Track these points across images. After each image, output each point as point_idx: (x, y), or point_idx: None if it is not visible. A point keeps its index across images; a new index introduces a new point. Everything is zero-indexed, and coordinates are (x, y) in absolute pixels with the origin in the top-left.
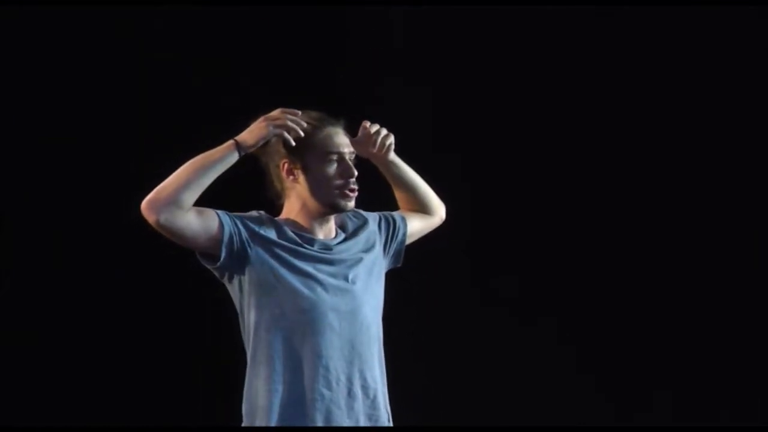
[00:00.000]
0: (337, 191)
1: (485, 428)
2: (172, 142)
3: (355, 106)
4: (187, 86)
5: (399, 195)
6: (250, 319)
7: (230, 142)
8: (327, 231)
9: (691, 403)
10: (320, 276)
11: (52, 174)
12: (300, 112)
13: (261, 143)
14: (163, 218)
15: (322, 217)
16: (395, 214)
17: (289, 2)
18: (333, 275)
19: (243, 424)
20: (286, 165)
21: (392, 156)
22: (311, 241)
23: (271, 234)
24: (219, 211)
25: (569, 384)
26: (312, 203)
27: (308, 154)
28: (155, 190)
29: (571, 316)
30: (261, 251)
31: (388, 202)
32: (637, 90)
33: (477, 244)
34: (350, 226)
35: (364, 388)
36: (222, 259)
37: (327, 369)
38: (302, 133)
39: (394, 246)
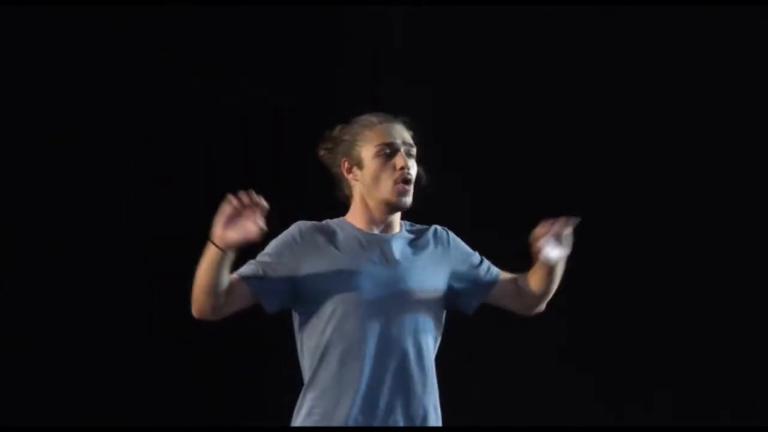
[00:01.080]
0: (391, 183)
1: (484, 428)
2: (172, 142)
3: (355, 106)
4: (187, 86)
5: (531, 280)
6: (303, 345)
7: (209, 243)
8: (388, 225)
9: (691, 403)
10: (366, 297)
11: (52, 174)
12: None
13: (224, 228)
14: (212, 318)
15: (382, 215)
16: (491, 266)
17: (290, 2)
18: (383, 287)
19: None
20: (346, 163)
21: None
22: (363, 243)
23: (310, 254)
24: (247, 277)
25: (568, 384)
26: (371, 200)
27: (363, 149)
28: (192, 301)
29: (569, 318)
30: (303, 282)
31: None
32: (638, 91)
33: (475, 244)
34: (420, 236)
35: (408, 416)
36: (269, 309)
37: (364, 395)
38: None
39: (470, 284)
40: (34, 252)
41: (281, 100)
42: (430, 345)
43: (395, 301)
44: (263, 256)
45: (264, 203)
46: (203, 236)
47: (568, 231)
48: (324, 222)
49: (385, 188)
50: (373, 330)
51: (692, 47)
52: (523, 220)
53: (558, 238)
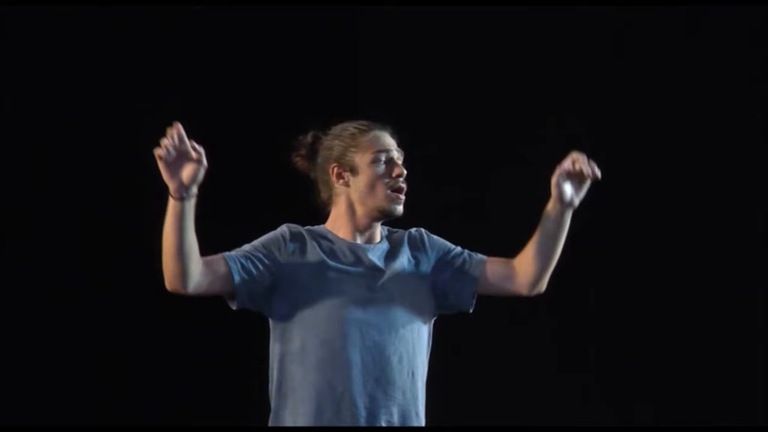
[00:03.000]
0: (388, 191)
1: (482, 428)
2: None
3: (359, 109)
4: (187, 86)
5: (529, 250)
6: (274, 350)
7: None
8: (369, 235)
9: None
10: (348, 305)
11: (52, 174)
12: (177, 127)
13: (171, 179)
14: (185, 292)
15: (368, 223)
16: (473, 253)
17: (290, 2)
18: (365, 295)
19: None
20: (335, 169)
21: (577, 202)
22: (345, 252)
23: (296, 255)
24: (229, 256)
25: (566, 384)
26: (360, 207)
27: (357, 155)
28: (163, 272)
29: (567, 318)
30: (284, 283)
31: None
32: (639, 91)
33: (473, 244)
34: (398, 242)
35: (389, 423)
36: (238, 304)
37: (346, 402)
38: (173, 147)
39: (455, 274)
40: (34, 251)
41: (281, 99)
42: (415, 352)
43: (377, 309)
44: (248, 246)
45: (186, 141)
46: (199, 236)
47: (589, 177)
48: (308, 227)
49: (381, 195)
50: (355, 338)
51: (689, 48)
52: (518, 220)
53: (578, 180)
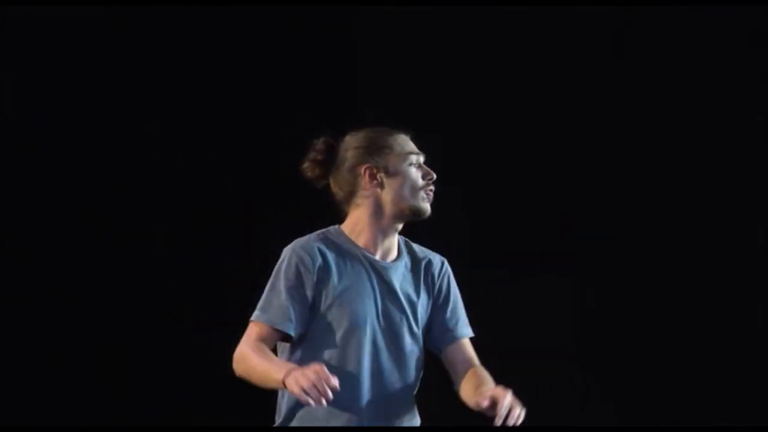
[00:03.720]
0: (421, 192)
1: (482, 428)
2: (174, 142)
3: (359, 109)
4: (187, 86)
5: (465, 388)
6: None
7: (281, 379)
8: (388, 246)
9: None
10: (362, 326)
11: (52, 173)
12: (334, 380)
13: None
14: None
15: (393, 226)
16: (461, 323)
17: (290, 2)
18: (380, 319)
19: None
20: (369, 170)
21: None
22: (364, 270)
23: (319, 275)
24: (278, 325)
25: (566, 384)
26: (392, 208)
27: (390, 156)
28: (234, 362)
29: (564, 319)
30: (312, 307)
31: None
32: (639, 91)
33: (473, 242)
34: (417, 265)
35: None
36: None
37: (352, 424)
38: (324, 404)
39: (438, 329)
40: (33, 251)
41: (282, 101)
42: (413, 378)
43: (388, 333)
44: (282, 296)
45: (330, 395)
46: (201, 236)
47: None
48: (322, 236)
49: (417, 195)
50: (366, 362)
51: (685, 49)
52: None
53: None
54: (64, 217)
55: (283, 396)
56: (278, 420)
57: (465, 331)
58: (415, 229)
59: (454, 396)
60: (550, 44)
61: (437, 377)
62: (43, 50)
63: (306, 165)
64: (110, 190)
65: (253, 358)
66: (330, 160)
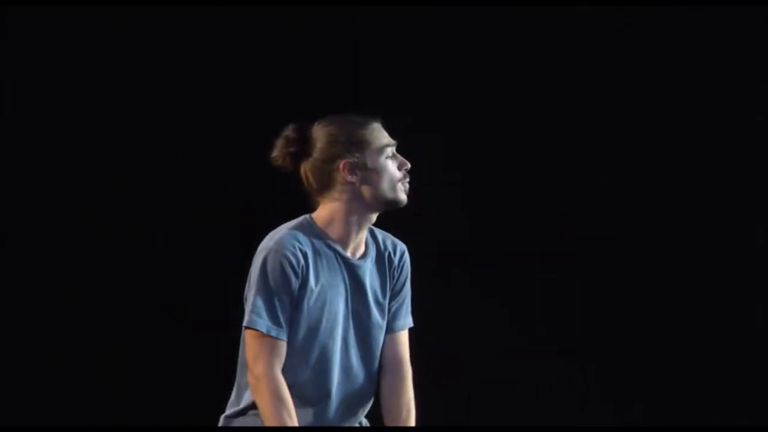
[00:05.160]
0: (399, 184)
1: (482, 428)
2: (174, 142)
3: (359, 108)
4: (187, 86)
5: (386, 399)
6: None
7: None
8: (360, 240)
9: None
10: (333, 325)
11: (52, 173)
12: None
13: None
14: None
15: (368, 219)
16: (405, 312)
17: (290, 2)
18: (350, 318)
19: None
20: (347, 165)
21: None
22: (337, 267)
23: (302, 283)
24: (278, 331)
25: (566, 384)
26: (371, 202)
27: (366, 150)
28: (254, 387)
29: (564, 319)
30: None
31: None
32: (639, 92)
33: (473, 238)
34: (381, 257)
35: None
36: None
37: (319, 422)
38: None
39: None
40: (33, 251)
41: (284, 102)
42: (376, 370)
43: (358, 331)
44: (275, 301)
45: None
46: (201, 236)
47: None
48: (298, 231)
49: (396, 188)
50: (337, 359)
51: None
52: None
53: None
54: (64, 217)
55: (243, 376)
56: (238, 405)
57: (404, 322)
58: (416, 229)
59: (453, 396)
60: (550, 44)
61: (436, 377)
62: (43, 50)
63: (276, 155)
64: (110, 190)
65: (269, 408)
66: (302, 150)
